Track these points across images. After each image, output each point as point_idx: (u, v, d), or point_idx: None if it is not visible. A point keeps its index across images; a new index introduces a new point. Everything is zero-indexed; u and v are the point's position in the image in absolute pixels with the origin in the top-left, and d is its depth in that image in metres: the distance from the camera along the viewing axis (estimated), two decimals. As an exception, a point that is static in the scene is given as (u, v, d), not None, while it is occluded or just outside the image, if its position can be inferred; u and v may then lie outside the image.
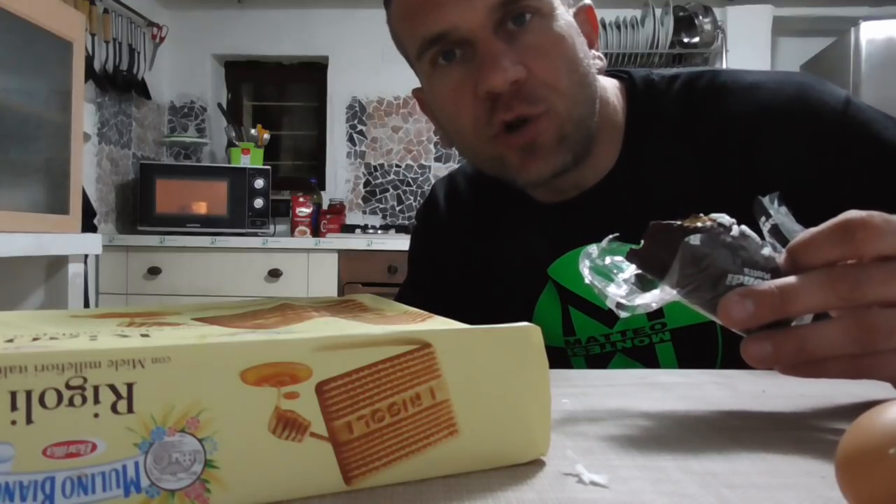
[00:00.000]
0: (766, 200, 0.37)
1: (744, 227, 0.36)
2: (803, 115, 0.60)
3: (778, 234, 0.36)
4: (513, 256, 0.71)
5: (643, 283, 0.37)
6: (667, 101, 0.64)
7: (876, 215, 0.33)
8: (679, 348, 0.64)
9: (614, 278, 0.37)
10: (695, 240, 0.34)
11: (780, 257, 0.36)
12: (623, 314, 0.37)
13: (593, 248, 0.38)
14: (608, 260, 0.38)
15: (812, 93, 0.61)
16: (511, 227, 0.72)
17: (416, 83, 0.67)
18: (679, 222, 0.36)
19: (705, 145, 0.62)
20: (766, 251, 0.36)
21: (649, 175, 0.63)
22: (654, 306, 0.36)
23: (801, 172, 0.58)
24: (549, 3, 0.58)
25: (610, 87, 0.67)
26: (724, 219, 0.36)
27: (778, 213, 0.37)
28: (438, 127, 0.68)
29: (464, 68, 0.59)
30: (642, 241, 0.36)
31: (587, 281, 0.38)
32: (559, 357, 0.69)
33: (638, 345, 0.65)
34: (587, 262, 0.38)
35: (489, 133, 0.59)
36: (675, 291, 0.35)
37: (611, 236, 0.39)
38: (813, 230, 0.35)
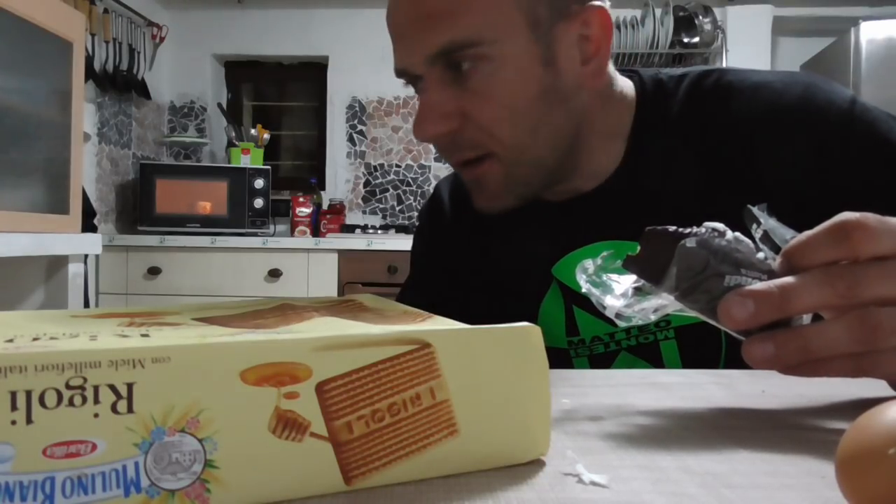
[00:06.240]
0: (755, 209, 0.37)
1: (738, 233, 0.36)
2: (809, 116, 0.60)
3: (769, 241, 0.37)
4: (517, 256, 0.71)
5: (641, 295, 0.37)
6: (674, 102, 0.64)
7: (870, 216, 0.33)
8: (683, 346, 0.64)
9: (612, 289, 0.38)
10: (690, 242, 0.35)
11: (775, 262, 0.36)
12: (622, 324, 0.37)
13: (589, 263, 0.39)
14: (604, 276, 0.38)
15: (819, 93, 0.61)
16: (515, 226, 0.71)
17: None
18: (674, 228, 0.36)
19: (711, 145, 0.62)
20: (761, 255, 0.36)
21: (654, 175, 0.63)
22: (653, 317, 0.37)
23: (807, 173, 0.59)
24: (500, 47, 0.56)
25: (619, 88, 0.66)
26: (718, 225, 0.36)
27: (768, 220, 0.37)
28: None
29: None
30: (638, 247, 0.37)
31: (584, 290, 0.38)
32: (561, 358, 0.69)
33: (643, 342, 0.65)
34: (584, 277, 0.38)
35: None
36: (672, 297, 0.36)
37: (605, 252, 0.39)
38: (808, 233, 0.35)
